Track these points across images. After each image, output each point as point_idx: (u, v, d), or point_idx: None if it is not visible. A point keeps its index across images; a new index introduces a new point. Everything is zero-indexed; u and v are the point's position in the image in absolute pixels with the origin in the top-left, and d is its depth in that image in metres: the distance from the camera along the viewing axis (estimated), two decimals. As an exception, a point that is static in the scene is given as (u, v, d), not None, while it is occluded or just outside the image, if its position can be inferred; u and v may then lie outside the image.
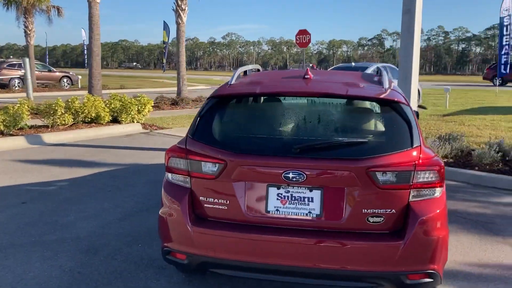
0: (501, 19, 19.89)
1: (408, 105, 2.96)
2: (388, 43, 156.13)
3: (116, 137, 10.22)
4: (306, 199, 2.74)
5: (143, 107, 11.28)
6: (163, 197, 3.09)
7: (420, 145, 2.77)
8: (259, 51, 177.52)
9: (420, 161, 2.69)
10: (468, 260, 3.96)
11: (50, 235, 4.41)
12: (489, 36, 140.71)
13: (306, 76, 3.34)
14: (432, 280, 2.70)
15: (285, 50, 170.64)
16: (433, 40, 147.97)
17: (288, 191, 2.76)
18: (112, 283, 3.48)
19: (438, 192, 2.74)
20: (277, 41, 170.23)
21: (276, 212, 2.77)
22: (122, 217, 4.93)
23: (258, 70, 4.60)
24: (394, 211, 2.67)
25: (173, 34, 22.55)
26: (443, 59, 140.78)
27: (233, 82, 3.35)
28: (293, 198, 2.75)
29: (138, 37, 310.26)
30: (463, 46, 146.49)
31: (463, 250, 4.14)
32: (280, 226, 2.77)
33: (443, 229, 2.73)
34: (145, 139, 9.92)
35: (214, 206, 2.88)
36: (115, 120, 11.05)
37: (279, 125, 3.01)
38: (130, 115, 11.08)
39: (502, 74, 21.16)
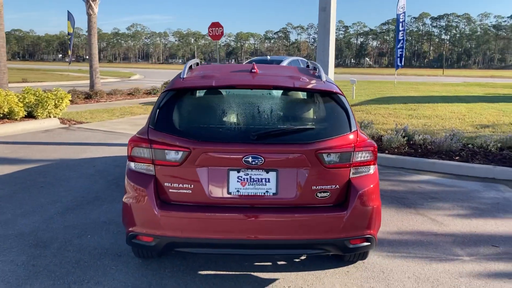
0: (398, 15, 21.74)
1: (343, 95, 3.43)
2: (293, 37, 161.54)
3: (34, 132, 9.81)
4: (263, 180, 3.09)
5: (60, 101, 10.90)
6: (127, 185, 3.27)
7: (357, 130, 3.25)
8: (166, 42, 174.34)
9: (358, 143, 3.17)
10: (389, 230, 4.59)
11: (-9, 233, 4.35)
12: (384, 30, 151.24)
13: (253, 70, 3.68)
14: (369, 243, 3.20)
15: (192, 41, 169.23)
16: (335, 34, 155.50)
17: (247, 174, 3.09)
18: (71, 272, 3.58)
19: (372, 169, 3.24)
20: (185, 32, 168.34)
21: (236, 193, 3.09)
22: (64, 211, 4.94)
23: (197, 64, 4.88)
24: (338, 187, 3.12)
25: (80, 24, 21.64)
26: (344, 52, 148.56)
27: (185, 75, 3.60)
28: (251, 179, 3.09)
29: (33, 26, 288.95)
30: (361, 40, 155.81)
31: (384, 222, 4.76)
32: (240, 205, 3.10)
33: (377, 200, 3.23)
34: (66, 134, 9.65)
35: (179, 191, 3.12)
36: (30, 116, 10.57)
37: (234, 115, 3.31)
38: (47, 110, 10.66)
39: (398, 66, 23.18)
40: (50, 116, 10.78)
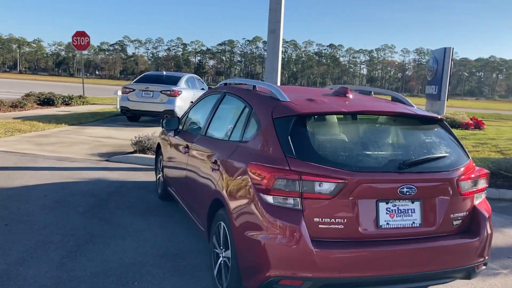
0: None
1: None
2: (130, 50, 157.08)
3: None
4: (409, 211, 3.03)
5: None
6: (264, 222, 2.89)
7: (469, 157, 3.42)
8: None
9: (478, 170, 3.33)
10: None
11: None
12: (220, 51, 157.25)
13: (347, 95, 3.61)
14: (485, 267, 3.36)
15: (14, 48, 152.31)
16: (173, 51, 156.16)
17: (395, 205, 3.00)
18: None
19: (484, 194, 3.44)
20: (5, 37, 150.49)
21: (386, 225, 2.98)
22: (69, 254, 4.07)
23: (225, 84, 4.59)
24: (467, 214, 3.22)
25: None
26: (182, 69, 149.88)
27: (287, 99, 3.35)
28: (399, 211, 3.01)
29: None
30: (199, 58, 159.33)
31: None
32: (390, 238, 2.99)
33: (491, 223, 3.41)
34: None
35: (330, 226, 2.87)
36: None
37: (372, 143, 3.18)
38: None
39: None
40: None
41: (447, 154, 3.26)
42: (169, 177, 5.46)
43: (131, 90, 13.45)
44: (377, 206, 2.96)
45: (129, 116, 14.06)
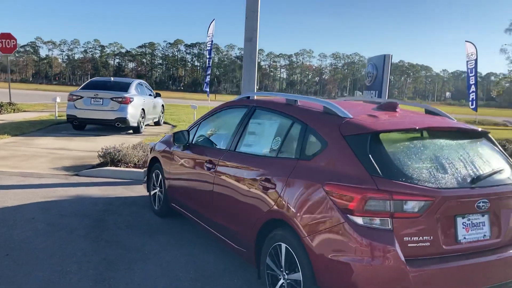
0: (210, 43, 22.53)
1: None
2: (43, 52, 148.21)
3: None
4: (481, 224, 3.14)
5: None
6: (353, 244, 2.85)
7: None
8: None
9: None
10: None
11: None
12: (140, 53, 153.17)
13: (397, 109, 3.66)
14: None
15: None
16: (90, 53, 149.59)
17: (469, 219, 3.09)
18: None
19: None
20: None
21: (463, 239, 3.05)
22: (96, 284, 3.74)
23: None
24: None
25: None
26: (101, 72, 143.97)
27: (349, 115, 3.34)
28: (473, 224, 3.10)
29: None
30: (118, 60, 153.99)
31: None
32: (468, 252, 3.07)
33: None
34: None
35: (417, 245, 2.89)
36: None
37: (444, 159, 3.21)
38: None
39: (207, 91, 24.15)
40: None
41: (506, 166, 3.42)
42: (177, 194, 5.19)
43: (79, 97, 12.65)
44: (455, 222, 3.03)
45: (75, 125, 13.22)
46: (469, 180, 3.12)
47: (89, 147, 10.37)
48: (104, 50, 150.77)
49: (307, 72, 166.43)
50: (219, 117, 4.90)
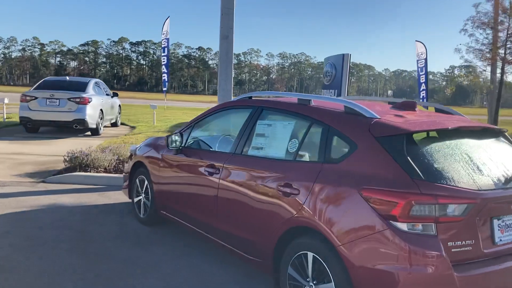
0: (162, 41, 22.01)
1: None
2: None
3: None
4: None
5: None
6: (397, 251, 2.70)
7: None
8: None
9: None
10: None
11: None
12: (82, 51, 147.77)
13: (416, 109, 3.57)
14: None
15: None
16: (29, 51, 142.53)
17: (503, 220, 3.03)
18: None
19: None
20: None
21: (500, 241, 2.98)
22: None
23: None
24: None
25: None
26: (41, 71, 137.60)
27: (377, 115, 3.20)
28: (506, 226, 3.04)
29: None
30: (59, 59, 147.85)
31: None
32: (504, 254, 3.00)
33: None
34: None
35: (461, 249, 2.79)
36: None
37: (477, 159, 3.10)
38: None
39: (165, 91, 23.58)
40: None
41: None
42: (168, 201, 4.86)
43: (33, 98, 11.84)
44: (492, 223, 2.95)
45: (29, 127, 12.38)
46: (503, 180, 3.06)
47: (48, 151, 9.72)
48: (44, 48, 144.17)
49: (255, 71, 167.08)
50: (217, 119, 4.63)
